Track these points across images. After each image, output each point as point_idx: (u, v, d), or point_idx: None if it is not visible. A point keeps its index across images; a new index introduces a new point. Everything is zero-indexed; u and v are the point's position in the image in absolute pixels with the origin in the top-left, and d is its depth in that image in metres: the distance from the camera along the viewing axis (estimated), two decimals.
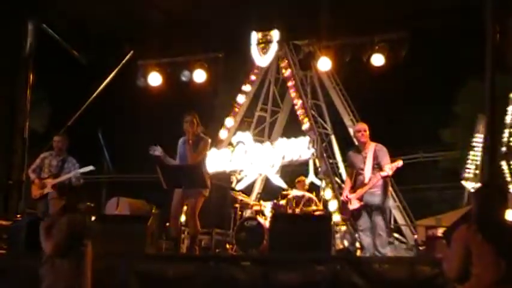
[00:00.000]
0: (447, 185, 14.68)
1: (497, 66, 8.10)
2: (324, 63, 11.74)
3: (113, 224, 8.02)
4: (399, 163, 7.55)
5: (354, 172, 7.79)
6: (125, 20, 11.72)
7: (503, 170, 10.72)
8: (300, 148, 11.36)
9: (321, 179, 11.55)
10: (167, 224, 8.80)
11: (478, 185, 10.67)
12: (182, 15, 11.55)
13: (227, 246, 9.92)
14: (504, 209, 4.27)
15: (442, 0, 10.47)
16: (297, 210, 9.85)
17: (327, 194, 11.07)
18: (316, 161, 11.74)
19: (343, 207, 8.04)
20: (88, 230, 5.68)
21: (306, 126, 11.93)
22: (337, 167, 12.16)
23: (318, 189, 10.96)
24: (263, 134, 12.96)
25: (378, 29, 11.18)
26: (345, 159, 9.16)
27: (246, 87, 12.90)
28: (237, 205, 10.03)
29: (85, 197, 9.51)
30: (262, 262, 7.09)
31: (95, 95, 12.69)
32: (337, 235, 10.03)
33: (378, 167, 7.59)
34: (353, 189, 7.72)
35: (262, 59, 12.68)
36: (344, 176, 10.96)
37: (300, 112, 12.09)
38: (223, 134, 12.70)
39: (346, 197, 7.74)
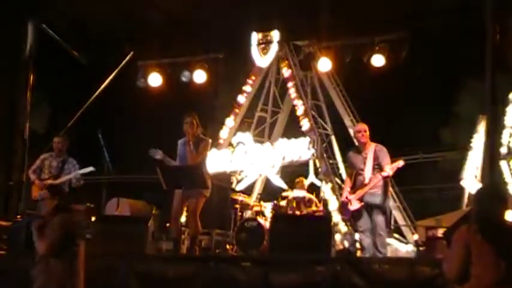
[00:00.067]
0: (447, 185, 14.66)
1: (497, 66, 8.09)
2: (324, 64, 11.75)
3: (113, 224, 8.02)
4: (400, 163, 7.54)
5: (354, 172, 7.79)
6: (125, 21, 11.73)
7: (503, 170, 10.72)
8: (300, 149, 11.37)
9: (321, 180, 11.56)
10: (167, 224, 8.81)
11: (478, 185, 10.67)
12: (182, 15, 11.55)
13: (227, 246, 9.92)
14: (504, 209, 4.26)
15: (442, 1, 10.47)
16: (297, 211, 9.85)
17: (327, 194, 11.06)
18: (317, 161, 11.74)
19: (343, 207, 8.04)
20: (81, 230, 5.68)
21: (306, 126, 11.93)
22: (338, 168, 12.16)
23: (318, 190, 10.96)
24: (263, 134, 12.96)
25: (378, 29, 11.18)
26: (345, 160, 9.15)
27: (246, 88, 12.91)
28: (237, 206, 10.03)
29: (85, 197, 9.57)
30: (263, 263, 7.09)
31: (95, 95, 12.69)
32: (337, 236, 10.04)
33: (378, 167, 7.59)
34: (353, 189, 7.71)
35: (262, 59, 12.69)
36: (344, 176, 10.97)
37: (300, 113, 12.09)
38: (223, 134, 12.70)
39: (346, 197, 7.73)
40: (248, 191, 11.73)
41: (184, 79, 12.55)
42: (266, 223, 9.19)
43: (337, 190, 11.09)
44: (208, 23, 11.51)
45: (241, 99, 12.88)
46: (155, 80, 12.66)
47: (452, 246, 4.17)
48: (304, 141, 11.42)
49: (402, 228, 11.32)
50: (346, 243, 10.02)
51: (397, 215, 11.36)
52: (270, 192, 11.63)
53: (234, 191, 10.75)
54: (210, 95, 13.28)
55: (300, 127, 12.02)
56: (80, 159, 9.03)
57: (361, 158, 7.70)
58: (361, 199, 7.58)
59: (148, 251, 7.77)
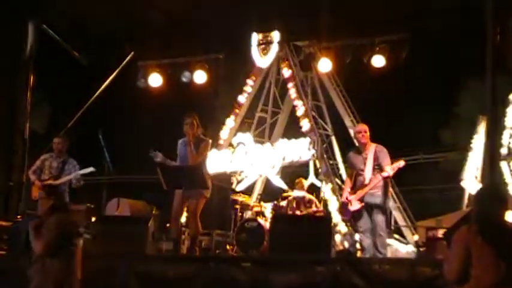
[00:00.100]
0: (447, 186, 14.66)
1: (497, 67, 8.09)
2: (325, 64, 11.74)
3: (113, 225, 8.02)
4: (401, 163, 7.53)
5: (354, 173, 7.79)
6: (126, 21, 11.72)
7: (503, 171, 10.72)
8: (301, 149, 11.37)
9: (321, 180, 11.56)
10: (167, 224, 8.81)
11: (479, 186, 10.67)
12: (183, 16, 11.55)
13: (227, 247, 9.92)
14: (504, 210, 4.26)
15: (442, 1, 10.47)
16: (297, 212, 9.85)
17: (327, 195, 11.06)
18: (317, 162, 11.74)
19: (343, 208, 8.03)
20: (77, 229, 5.68)
21: (306, 127, 11.93)
22: (338, 168, 12.16)
23: (318, 191, 10.97)
24: (263, 135, 12.96)
25: (378, 30, 11.18)
26: (346, 161, 9.16)
27: (247, 88, 12.91)
28: (238, 206, 10.03)
29: (85, 198, 9.57)
30: (263, 263, 7.09)
31: (95, 96, 12.69)
32: (338, 236, 10.04)
33: (378, 168, 7.59)
34: (353, 190, 7.71)
35: (262, 60, 12.69)
36: (344, 177, 10.97)
37: (300, 113, 12.09)
38: (223, 134, 12.71)
39: (347, 198, 7.73)
40: (248, 191, 11.73)
41: (184, 79, 12.55)
42: (266, 223, 9.20)
43: (338, 191, 11.08)
44: (208, 24, 11.51)
45: (242, 99, 12.88)
46: (155, 80, 12.66)
47: (452, 247, 4.17)
48: (305, 141, 11.42)
49: (402, 229, 11.31)
50: (346, 244, 10.02)
51: (398, 216, 11.36)
52: (270, 193, 11.63)
53: (234, 191, 10.76)
54: (210, 95, 13.28)
55: (300, 128, 12.01)
56: (80, 160, 9.03)
57: (362, 159, 7.70)
58: (361, 199, 7.58)
59: (148, 251, 7.77)
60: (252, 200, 10.99)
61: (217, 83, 12.98)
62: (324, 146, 12.09)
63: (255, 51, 12.65)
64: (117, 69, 12.75)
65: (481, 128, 11.23)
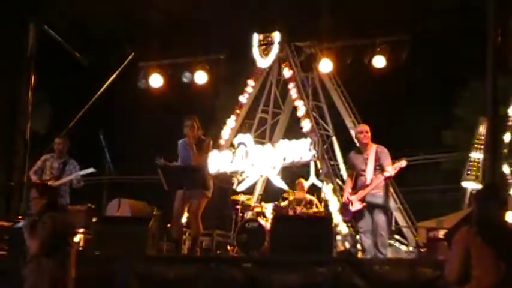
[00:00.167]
0: (449, 186, 14.67)
1: (498, 67, 8.08)
2: (325, 65, 11.75)
3: (114, 225, 8.02)
4: (403, 163, 7.52)
5: (355, 173, 7.79)
6: (126, 22, 11.74)
7: (504, 172, 10.70)
8: (301, 150, 11.37)
9: (322, 181, 11.55)
10: (168, 225, 8.81)
11: (479, 186, 10.67)
12: (183, 16, 11.56)
13: (228, 247, 9.93)
14: (504, 211, 4.26)
15: (442, 2, 10.47)
16: (298, 212, 9.85)
17: (328, 195, 11.06)
18: (318, 162, 11.74)
19: (344, 208, 8.03)
20: (71, 228, 5.68)
21: (307, 127, 11.93)
22: (339, 169, 12.15)
23: (319, 191, 10.97)
24: (264, 135, 12.96)
25: (379, 30, 11.19)
26: (346, 161, 9.15)
27: (247, 89, 12.91)
28: (238, 207, 10.03)
29: (86, 198, 9.56)
30: (263, 264, 7.09)
31: (96, 96, 12.68)
32: (338, 237, 10.04)
33: (379, 168, 7.58)
34: (354, 190, 7.71)
35: (263, 60, 12.69)
36: (345, 177, 10.97)
37: (301, 114, 12.09)
38: (224, 135, 12.71)
39: (347, 198, 7.73)
40: (249, 192, 11.73)
41: (185, 80, 12.55)
42: (267, 224, 9.20)
43: (338, 191, 11.09)
44: (209, 24, 11.52)
45: (242, 100, 12.88)
46: (156, 81, 12.66)
47: (452, 248, 4.17)
48: (305, 142, 11.42)
49: (403, 230, 11.31)
50: (347, 244, 10.02)
51: (398, 216, 11.35)
52: (270, 193, 11.64)
53: (235, 192, 10.75)
54: (211, 96, 13.30)
55: (301, 128, 12.01)
56: (81, 160, 9.03)
57: (362, 159, 7.70)
58: (362, 200, 7.57)
59: (149, 251, 7.77)
60: (252, 201, 10.99)
61: (218, 84, 13.00)
62: (325, 146, 12.09)
63: (255, 52, 12.65)
64: (118, 70, 12.75)
65: (482, 129, 11.24)
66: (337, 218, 10.39)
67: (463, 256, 4.04)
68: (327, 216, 9.77)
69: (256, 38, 12.63)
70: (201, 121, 8.09)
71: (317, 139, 11.74)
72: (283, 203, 10.09)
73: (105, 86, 12.73)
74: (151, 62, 12.77)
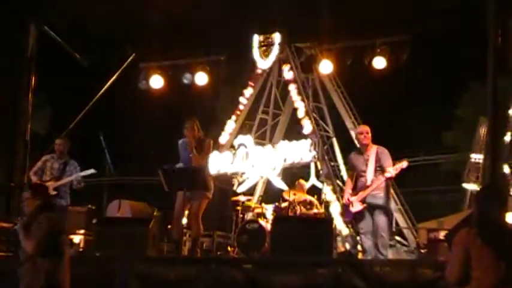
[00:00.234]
0: (449, 187, 14.67)
1: (499, 68, 8.09)
2: (326, 66, 11.75)
3: (114, 226, 8.02)
4: (404, 164, 7.51)
5: (355, 174, 7.79)
6: (127, 23, 11.73)
7: (505, 172, 10.70)
8: (302, 151, 11.38)
9: (322, 182, 11.55)
10: (169, 226, 8.81)
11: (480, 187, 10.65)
12: (184, 17, 11.56)
13: (228, 248, 9.92)
14: (504, 211, 4.26)
15: (443, 2, 10.47)
16: (298, 213, 9.84)
17: (329, 196, 11.06)
18: (318, 163, 11.74)
19: (344, 209, 8.03)
20: (66, 228, 5.68)
21: (307, 129, 11.93)
22: (339, 170, 12.15)
23: (320, 192, 10.96)
24: (265, 136, 12.96)
25: (379, 31, 11.19)
26: (347, 162, 9.15)
27: (248, 90, 12.91)
28: (239, 208, 10.03)
29: (86, 199, 9.55)
30: (264, 265, 7.09)
31: (96, 97, 12.69)
32: (339, 238, 10.03)
33: (380, 169, 7.58)
34: (354, 191, 7.71)
35: (264, 61, 12.69)
36: (346, 178, 10.97)
37: (301, 115, 12.09)
38: (224, 136, 12.71)
39: (348, 199, 7.73)
40: (249, 193, 11.73)
41: (185, 81, 12.55)
42: (267, 225, 9.19)
43: (339, 192, 11.08)
44: (209, 25, 11.52)
45: (243, 101, 12.88)
46: (157, 82, 12.66)
47: (452, 250, 4.17)
48: (306, 143, 11.42)
49: (404, 231, 11.31)
50: (348, 246, 10.01)
51: (399, 217, 11.35)
52: (271, 194, 11.64)
53: (235, 193, 10.75)
54: (212, 97, 13.30)
55: (301, 129, 12.01)
56: (82, 161, 9.04)
57: (363, 160, 7.70)
58: (363, 201, 7.57)
59: (149, 252, 7.77)
60: (253, 202, 10.98)
61: (219, 85, 13.00)
62: (325, 147, 12.09)
63: (256, 53, 12.65)
64: (118, 71, 12.76)
65: (483, 129, 11.24)
66: (337, 218, 10.39)
67: (463, 257, 4.04)
68: (327, 217, 9.76)
69: (256, 39, 12.63)
70: (201, 122, 8.10)
71: (317, 140, 11.73)
72: (284, 204, 10.08)
73: (105, 87, 12.74)
74: (152, 63, 12.77)
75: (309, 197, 10.31)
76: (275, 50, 12.56)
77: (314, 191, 11.08)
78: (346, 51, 11.56)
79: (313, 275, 6.60)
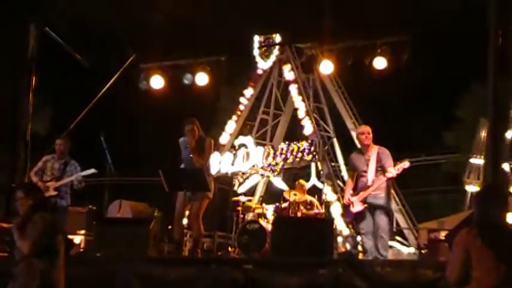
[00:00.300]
0: (450, 188, 14.69)
1: (499, 69, 8.08)
2: (326, 67, 11.75)
3: (115, 226, 8.01)
4: (405, 164, 7.50)
5: (356, 174, 7.78)
6: (127, 23, 11.73)
7: (504, 169, 10.69)
8: (302, 151, 11.37)
9: (323, 182, 11.55)
10: (169, 226, 8.81)
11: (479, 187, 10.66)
12: (184, 18, 11.56)
13: (229, 249, 9.92)
14: (504, 212, 4.26)
15: (443, 3, 10.47)
16: (299, 214, 9.85)
17: (329, 197, 11.06)
18: (318, 164, 11.74)
19: (345, 210, 8.02)
20: (60, 228, 5.67)
21: (308, 129, 11.93)
22: (340, 170, 12.16)
23: (320, 193, 10.97)
24: (265, 137, 12.97)
25: (380, 32, 11.19)
26: (347, 162, 9.15)
27: (248, 91, 12.92)
28: (239, 208, 10.03)
29: (87, 199, 9.55)
30: (264, 265, 7.08)
31: (97, 98, 12.70)
32: (339, 238, 10.04)
33: (381, 169, 7.57)
34: (355, 191, 7.70)
35: (264, 62, 12.71)
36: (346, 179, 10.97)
37: (302, 115, 12.09)
38: (225, 136, 12.71)
39: (349, 199, 7.72)
40: (250, 193, 11.73)
41: (186, 82, 12.55)
42: (268, 225, 9.19)
43: (339, 192, 11.09)
44: (210, 26, 11.52)
45: (243, 101, 12.89)
46: (157, 82, 12.67)
47: (452, 250, 4.17)
48: (306, 143, 11.42)
49: (404, 231, 11.31)
50: (348, 246, 10.01)
51: (399, 218, 11.35)
52: (271, 195, 11.65)
53: (236, 193, 10.75)
54: (212, 97, 13.31)
55: (302, 129, 12.01)
56: (82, 162, 9.04)
57: (364, 160, 7.69)
58: (363, 201, 7.56)
59: (150, 253, 7.77)
60: (253, 202, 10.99)
61: (219, 85, 13.00)
62: (326, 148, 12.09)
63: (256, 54, 12.66)
64: (119, 72, 12.77)
65: (483, 130, 11.24)
66: (338, 219, 10.40)
67: (463, 258, 4.04)
68: (328, 218, 9.77)
69: (257, 39, 12.64)
70: (201, 122, 8.09)
71: (318, 140, 11.73)
72: (284, 205, 10.08)
73: (106, 87, 12.75)
74: (152, 63, 12.77)
75: (309, 198, 10.31)
76: (275, 51, 12.57)
77: (315, 191, 11.09)
78: (346, 51, 11.57)
79: (314, 276, 6.60)
